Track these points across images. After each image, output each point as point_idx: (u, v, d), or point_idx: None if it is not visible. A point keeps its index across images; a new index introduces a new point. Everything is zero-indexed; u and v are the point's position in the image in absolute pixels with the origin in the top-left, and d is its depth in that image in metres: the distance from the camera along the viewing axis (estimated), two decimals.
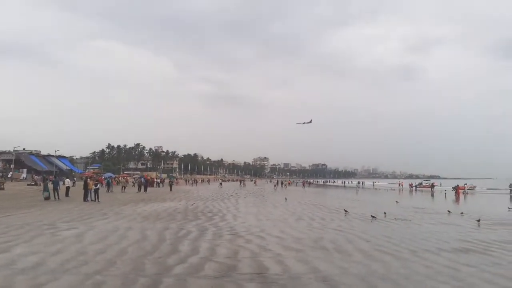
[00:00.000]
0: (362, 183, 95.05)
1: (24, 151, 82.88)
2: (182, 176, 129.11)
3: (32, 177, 62.36)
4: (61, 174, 68.02)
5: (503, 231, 13.98)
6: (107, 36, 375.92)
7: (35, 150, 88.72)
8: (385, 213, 19.06)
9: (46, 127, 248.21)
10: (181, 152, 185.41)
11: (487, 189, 67.72)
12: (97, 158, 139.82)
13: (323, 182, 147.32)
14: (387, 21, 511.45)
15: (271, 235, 12.04)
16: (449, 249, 10.09)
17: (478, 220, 16.60)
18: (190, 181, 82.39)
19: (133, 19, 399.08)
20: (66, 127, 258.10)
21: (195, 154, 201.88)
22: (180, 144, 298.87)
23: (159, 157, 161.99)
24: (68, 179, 33.41)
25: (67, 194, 27.61)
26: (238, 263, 8.20)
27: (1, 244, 9.76)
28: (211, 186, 68.56)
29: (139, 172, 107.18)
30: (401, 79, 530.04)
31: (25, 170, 74.10)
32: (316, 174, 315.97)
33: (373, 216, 17.54)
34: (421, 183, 75.33)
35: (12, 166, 70.87)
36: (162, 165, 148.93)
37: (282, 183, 76.04)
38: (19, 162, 76.47)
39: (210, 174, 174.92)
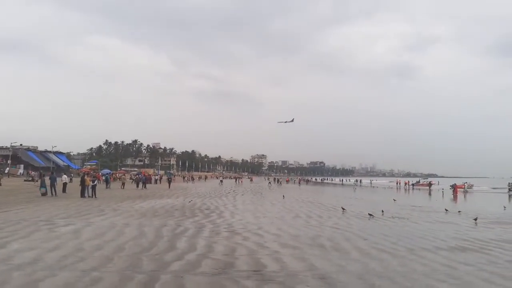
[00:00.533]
0: (360, 181, 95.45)
1: (21, 147, 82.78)
2: (179, 173, 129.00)
3: (28, 173, 62.26)
4: (58, 170, 67.83)
5: (500, 230, 14.03)
6: (104, 32, 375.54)
7: (32, 146, 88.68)
8: (382, 211, 19.10)
9: (43, 123, 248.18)
10: (178, 149, 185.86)
11: (492, 188, 67.97)
12: (94, 154, 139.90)
13: (321, 180, 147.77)
14: (386, 20, 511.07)
15: (268, 233, 12.04)
16: (446, 248, 10.11)
17: (475, 219, 16.65)
18: (185, 178, 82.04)
19: (130, 15, 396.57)
20: (63, 123, 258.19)
21: (192, 151, 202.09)
22: (178, 141, 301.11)
23: (156, 154, 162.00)
24: (65, 175, 33.33)
25: (64, 190, 27.56)
26: (235, 260, 8.20)
27: None
28: (208, 183, 68.53)
29: (136, 169, 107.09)
30: (399, 78, 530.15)
31: (22, 166, 73.94)
32: (314, 172, 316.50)
33: (370, 214, 17.58)
34: (419, 182, 75.66)
35: (9, 161, 70.70)
36: (160, 161, 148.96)
37: (278, 181, 76.07)
38: (16, 157, 76.35)
39: (207, 171, 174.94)
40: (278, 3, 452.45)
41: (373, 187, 71.64)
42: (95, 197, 24.72)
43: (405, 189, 60.39)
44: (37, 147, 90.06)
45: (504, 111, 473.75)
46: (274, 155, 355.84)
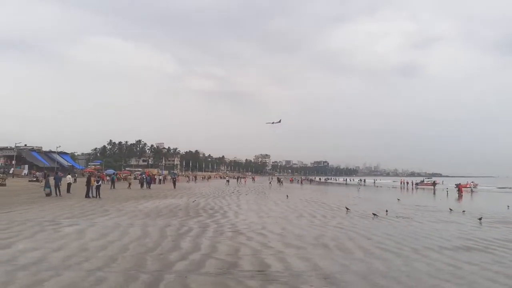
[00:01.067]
0: (364, 181, 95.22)
1: (25, 147, 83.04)
2: (183, 173, 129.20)
3: (30, 173, 62.54)
4: (62, 170, 68.14)
5: (505, 230, 13.95)
6: (109, 32, 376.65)
7: (36, 146, 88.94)
8: (386, 211, 19.03)
9: (47, 123, 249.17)
10: (182, 149, 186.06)
11: (497, 188, 67.62)
12: (98, 154, 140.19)
13: (325, 179, 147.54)
14: (388, 18, 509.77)
15: (272, 232, 12.04)
16: (451, 247, 10.07)
17: (480, 218, 16.58)
18: (187, 178, 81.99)
19: (135, 15, 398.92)
20: (68, 123, 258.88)
21: (196, 151, 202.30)
22: (182, 140, 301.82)
23: (160, 154, 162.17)
24: (69, 175, 33.46)
25: (68, 191, 27.66)
26: (239, 260, 8.20)
27: (3, 240, 9.77)
28: (211, 183, 68.50)
29: (140, 169, 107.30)
30: (402, 76, 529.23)
31: (26, 166, 74.23)
32: (317, 172, 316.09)
33: (374, 214, 17.53)
34: (423, 181, 75.41)
35: (13, 162, 71.05)
36: (164, 161, 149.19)
37: (279, 180, 75.82)
38: (21, 158, 76.68)
39: (211, 171, 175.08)
40: (280, 1, 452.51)
41: (377, 186, 71.44)
42: (99, 197, 24.80)
43: (407, 189, 60.18)
44: (41, 147, 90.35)
45: (509, 109, 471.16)
46: (278, 155, 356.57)
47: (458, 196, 39.46)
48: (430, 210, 21.78)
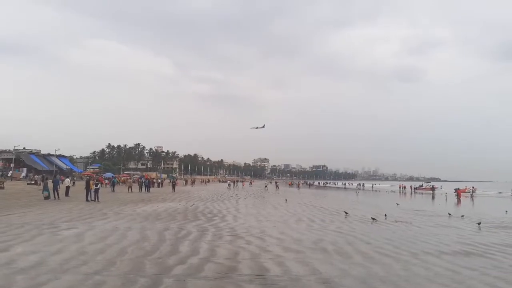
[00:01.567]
0: (363, 185, 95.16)
1: (24, 150, 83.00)
2: (182, 177, 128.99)
3: (27, 175, 62.40)
4: (61, 173, 68.00)
5: (504, 234, 13.95)
6: (106, 35, 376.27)
7: (35, 150, 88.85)
8: (385, 215, 19.03)
9: (46, 126, 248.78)
10: (181, 153, 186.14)
11: (498, 192, 67.62)
12: (97, 157, 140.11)
13: (324, 183, 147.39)
14: (388, 23, 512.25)
15: (271, 236, 12.02)
16: (450, 252, 10.06)
17: (479, 223, 16.57)
18: (185, 181, 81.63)
19: (132, 18, 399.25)
20: (66, 126, 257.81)
21: (195, 154, 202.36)
22: (181, 144, 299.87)
23: (159, 157, 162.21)
24: (68, 179, 33.42)
25: (67, 194, 27.62)
26: (238, 264, 8.19)
27: (1, 243, 9.74)
28: (210, 186, 68.30)
29: (139, 172, 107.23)
30: (401, 81, 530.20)
31: (25, 169, 74.21)
32: (316, 176, 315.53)
33: (373, 218, 17.50)
34: (421, 186, 75.45)
35: (12, 165, 70.94)
36: (162, 165, 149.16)
37: (275, 184, 75.58)
38: (19, 161, 76.62)
39: (210, 175, 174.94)
40: (279, 5, 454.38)
41: (375, 191, 71.41)
42: (98, 200, 24.76)
43: (405, 193, 60.18)
44: (40, 150, 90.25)
45: (508, 114, 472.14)
46: (277, 159, 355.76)
47: (457, 200, 39.47)
48: (429, 214, 21.78)
